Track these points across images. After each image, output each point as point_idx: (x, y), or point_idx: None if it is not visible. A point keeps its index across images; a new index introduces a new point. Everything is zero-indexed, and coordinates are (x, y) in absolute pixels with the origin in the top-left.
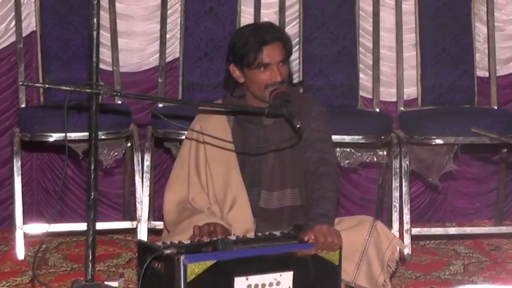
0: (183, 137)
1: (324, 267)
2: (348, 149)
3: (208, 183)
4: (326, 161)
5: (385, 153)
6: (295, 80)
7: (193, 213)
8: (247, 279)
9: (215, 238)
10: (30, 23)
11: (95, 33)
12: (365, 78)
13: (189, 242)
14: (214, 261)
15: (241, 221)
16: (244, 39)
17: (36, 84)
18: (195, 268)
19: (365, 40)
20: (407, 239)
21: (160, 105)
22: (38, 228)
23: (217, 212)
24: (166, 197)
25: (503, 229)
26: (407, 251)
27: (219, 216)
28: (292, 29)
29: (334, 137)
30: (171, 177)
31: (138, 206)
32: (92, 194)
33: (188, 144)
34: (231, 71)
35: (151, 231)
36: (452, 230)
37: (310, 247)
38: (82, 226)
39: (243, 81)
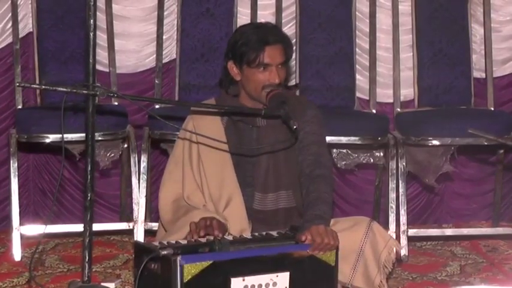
0: None
1: (320, 268)
2: (344, 150)
3: (203, 182)
4: (321, 164)
5: (381, 154)
6: (292, 82)
7: (189, 210)
8: (243, 279)
9: (212, 236)
10: (27, 24)
11: (91, 34)
12: (361, 80)
13: (185, 242)
14: (211, 261)
15: (236, 220)
16: (246, 37)
17: (32, 85)
18: (191, 269)
19: (361, 41)
20: (403, 240)
21: (156, 107)
22: (35, 229)
23: (212, 209)
24: (161, 196)
25: (499, 230)
26: (403, 252)
27: (215, 212)
28: (289, 30)
29: (330, 138)
30: (165, 175)
31: (135, 207)
32: (89, 195)
33: (181, 143)
34: (229, 68)
35: (148, 232)
36: (449, 231)
37: (307, 248)
38: (79, 227)
39: (239, 80)
